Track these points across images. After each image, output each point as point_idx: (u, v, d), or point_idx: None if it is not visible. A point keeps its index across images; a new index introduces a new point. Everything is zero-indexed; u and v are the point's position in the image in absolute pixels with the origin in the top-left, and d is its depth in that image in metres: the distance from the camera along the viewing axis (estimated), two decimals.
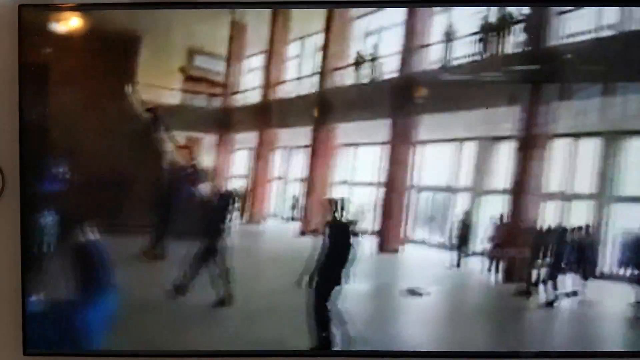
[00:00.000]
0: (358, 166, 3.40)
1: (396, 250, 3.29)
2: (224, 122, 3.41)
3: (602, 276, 3.04)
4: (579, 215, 3.09)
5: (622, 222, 3.03)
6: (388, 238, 3.32)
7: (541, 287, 3.03)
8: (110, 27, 3.00)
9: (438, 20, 3.20)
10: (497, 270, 3.12)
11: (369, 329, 3.05)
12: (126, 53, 3.22)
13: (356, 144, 3.44)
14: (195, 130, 3.40)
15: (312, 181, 3.44)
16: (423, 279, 3.17)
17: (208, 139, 3.41)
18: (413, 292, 3.12)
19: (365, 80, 3.30)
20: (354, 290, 3.10)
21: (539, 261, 3.07)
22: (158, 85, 3.32)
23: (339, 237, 3.15)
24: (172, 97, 3.37)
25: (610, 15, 2.93)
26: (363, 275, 3.17)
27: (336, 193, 3.32)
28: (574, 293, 3.01)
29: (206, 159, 3.37)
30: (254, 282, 3.19)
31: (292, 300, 3.06)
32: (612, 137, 3.10)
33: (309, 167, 3.44)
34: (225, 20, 3.28)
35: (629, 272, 2.96)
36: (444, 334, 3.07)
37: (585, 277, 3.03)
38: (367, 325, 3.06)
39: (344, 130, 3.39)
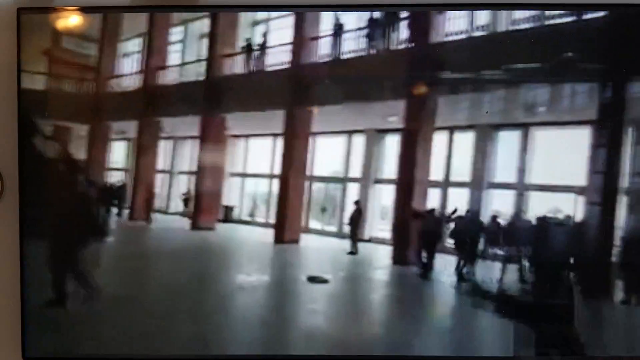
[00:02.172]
0: (251, 158, 2.35)
1: (295, 241, 2.27)
2: (98, 110, 2.21)
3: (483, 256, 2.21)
4: (456, 201, 2.26)
5: (494, 207, 2.24)
6: (285, 229, 2.28)
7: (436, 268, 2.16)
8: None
9: (326, 15, 2.28)
10: (394, 255, 2.21)
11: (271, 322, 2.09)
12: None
13: (248, 135, 2.36)
14: (66, 120, 2.16)
15: (202, 174, 2.31)
16: (323, 266, 2.20)
17: (80, 129, 2.16)
18: (315, 279, 2.16)
19: (256, 70, 2.27)
20: (256, 281, 2.10)
21: (430, 245, 2.22)
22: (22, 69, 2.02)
23: None
24: (37, 82, 2.11)
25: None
26: (263, 266, 2.20)
27: (228, 185, 2.29)
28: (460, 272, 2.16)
29: (79, 151, 2.16)
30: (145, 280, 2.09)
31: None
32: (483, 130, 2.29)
33: (198, 160, 2.31)
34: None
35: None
36: (347, 320, 2.14)
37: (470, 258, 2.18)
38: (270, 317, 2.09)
39: (234, 121, 2.30)
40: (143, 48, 2.16)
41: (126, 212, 2.07)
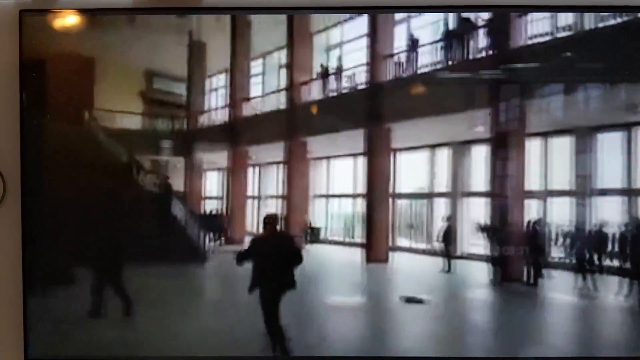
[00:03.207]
0: (334, 179, 1.98)
1: (384, 260, 1.84)
2: (190, 143, 1.93)
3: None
4: (561, 211, 1.72)
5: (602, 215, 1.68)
6: (373, 248, 1.85)
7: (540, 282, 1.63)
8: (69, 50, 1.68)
9: (400, 30, 1.90)
10: (494, 271, 1.70)
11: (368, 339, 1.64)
12: (85, 78, 1.77)
13: (330, 157, 2.01)
14: (161, 154, 1.90)
15: (290, 197, 1.97)
16: (417, 286, 1.75)
17: (175, 162, 1.90)
18: (411, 300, 1.70)
19: (334, 93, 1.91)
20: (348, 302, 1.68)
21: (534, 258, 1.69)
22: (118, 110, 1.85)
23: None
24: (134, 122, 1.90)
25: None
26: (353, 287, 1.77)
27: (314, 207, 1.93)
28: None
29: (176, 182, 1.89)
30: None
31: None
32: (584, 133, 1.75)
33: (284, 183, 1.97)
34: (183, 41, 1.89)
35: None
36: (448, 339, 1.65)
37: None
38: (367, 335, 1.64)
39: (316, 144, 1.94)
40: (227, 83, 1.84)
41: (221, 236, 1.71)
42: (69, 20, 1.60)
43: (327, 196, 1.84)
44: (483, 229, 1.63)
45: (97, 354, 1.55)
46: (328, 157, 1.89)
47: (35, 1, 1.58)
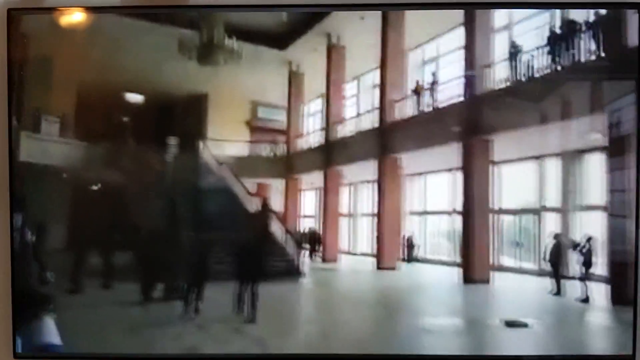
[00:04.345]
0: (430, 195, 1.92)
1: (485, 281, 1.71)
2: (291, 166, 2.05)
3: None
4: None
5: None
6: (474, 267, 1.75)
7: None
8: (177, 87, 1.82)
9: (498, 39, 1.81)
10: (613, 293, 1.47)
11: None
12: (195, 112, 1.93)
13: (426, 172, 1.97)
14: (265, 177, 2.01)
15: (383, 215, 1.94)
16: (523, 309, 1.58)
17: (277, 184, 2.00)
18: (513, 324, 1.54)
19: (428, 109, 1.88)
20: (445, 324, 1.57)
21: None
22: (227, 139, 2.01)
23: None
24: (240, 149, 2.05)
25: None
26: (452, 308, 1.67)
27: (409, 225, 1.88)
28: None
29: (276, 203, 1.98)
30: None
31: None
32: None
33: (378, 201, 1.96)
34: (284, 72, 2.02)
35: None
36: None
37: None
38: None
39: (411, 160, 1.93)
40: (324, 107, 1.93)
41: (318, 254, 1.76)
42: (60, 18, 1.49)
43: (423, 213, 1.78)
44: (575, 245, 1.45)
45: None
46: (424, 173, 1.83)
47: (25, 0, 1.46)
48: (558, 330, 1.45)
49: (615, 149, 1.48)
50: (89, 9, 1.50)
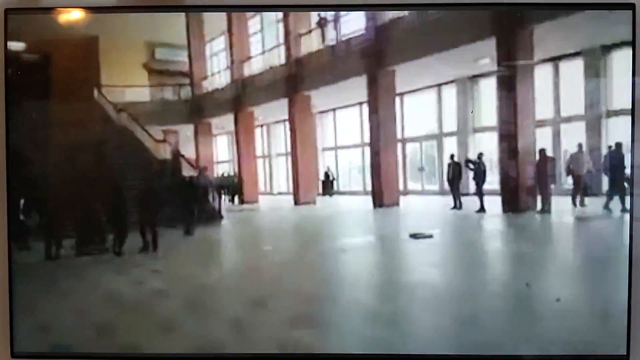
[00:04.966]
0: (341, 130, 1.94)
1: (396, 204, 1.83)
2: (199, 109, 1.95)
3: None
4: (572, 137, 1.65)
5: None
6: (384, 194, 1.85)
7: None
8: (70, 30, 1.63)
9: None
10: (505, 203, 1.67)
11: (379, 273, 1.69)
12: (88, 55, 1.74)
13: (335, 109, 1.96)
14: (171, 123, 1.92)
15: (298, 153, 1.96)
16: (428, 223, 1.73)
17: (185, 130, 1.92)
18: (419, 236, 1.69)
19: (332, 42, 1.84)
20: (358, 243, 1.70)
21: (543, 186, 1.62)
22: (124, 84, 1.86)
23: None
24: (140, 94, 1.90)
25: None
26: (366, 229, 1.79)
27: (324, 160, 1.91)
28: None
29: (187, 149, 1.90)
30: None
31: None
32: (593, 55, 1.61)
33: (292, 140, 1.97)
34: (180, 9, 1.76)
35: None
36: (456, 274, 1.66)
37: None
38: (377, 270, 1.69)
39: (319, 97, 1.90)
40: (227, 45, 1.81)
41: (235, 197, 1.74)
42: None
43: (336, 148, 1.82)
44: (469, 163, 1.60)
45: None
46: (334, 109, 1.85)
47: (21, 0, 1.52)
48: (458, 237, 1.63)
49: (504, 74, 1.59)
50: (86, 9, 1.53)
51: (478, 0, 1.53)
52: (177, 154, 1.77)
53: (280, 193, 1.80)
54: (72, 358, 1.57)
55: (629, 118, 1.44)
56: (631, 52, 1.42)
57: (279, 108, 1.81)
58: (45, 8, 1.56)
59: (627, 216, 1.42)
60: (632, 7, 1.41)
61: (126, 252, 1.63)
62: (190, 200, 1.71)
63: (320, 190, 1.75)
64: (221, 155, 1.84)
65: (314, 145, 1.77)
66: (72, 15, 1.59)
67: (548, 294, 1.41)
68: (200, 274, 1.60)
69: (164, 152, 1.77)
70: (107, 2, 1.56)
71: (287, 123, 1.81)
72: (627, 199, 1.44)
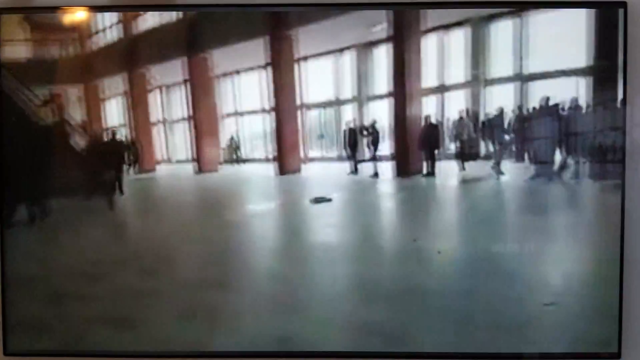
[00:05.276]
0: (243, 94, 1.88)
1: (297, 171, 1.85)
2: (87, 69, 1.81)
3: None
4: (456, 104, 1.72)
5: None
6: (287, 161, 1.87)
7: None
8: None
9: None
10: (395, 167, 1.78)
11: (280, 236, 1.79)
12: None
13: (235, 72, 1.89)
14: (57, 83, 1.78)
15: (198, 118, 1.91)
16: (328, 188, 1.81)
17: (72, 91, 1.78)
18: (320, 200, 1.79)
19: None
20: (261, 210, 1.77)
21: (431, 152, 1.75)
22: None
23: None
24: (20, 51, 1.74)
25: None
26: (268, 196, 1.85)
27: (227, 126, 1.86)
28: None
29: (75, 112, 1.79)
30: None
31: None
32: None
33: (192, 104, 1.90)
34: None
35: None
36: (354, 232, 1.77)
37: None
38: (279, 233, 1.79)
39: (221, 58, 1.84)
40: None
41: (131, 165, 1.67)
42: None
43: (237, 114, 1.80)
44: (364, 130, 1.68)
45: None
46: (235, 72, 1.80)
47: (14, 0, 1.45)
48: (355, 200, 1.76)
49: (397, 40, 1.66)
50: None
51: None
52: (63, 119, 1.65)
53: (179, 161, 1.76)
54: (65, 356, 1.60)
55: (509, 86, 1.58)
56: (622, 50, 1.48)
57: (176, 69, 1.72)
58: (39, 7, 1.59)
59: (504, 177, 1.59)
60: (623, 5, 1.46)
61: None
62: (80, 170, 1.62)
63: (222, 158, 1.73)
64: (113, 120, 1.74)
65: (215, 110, 1.73)
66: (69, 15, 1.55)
67: (431, 247, 1.57)
68: (93, 246, 1.55)
69: (49, 116, 1.64)
70: (100, 2, 1.59)
71: (185, 86, 1.74)
72: (505, 161, 1.60)
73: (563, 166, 1.58)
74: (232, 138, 1.76)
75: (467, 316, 1.52)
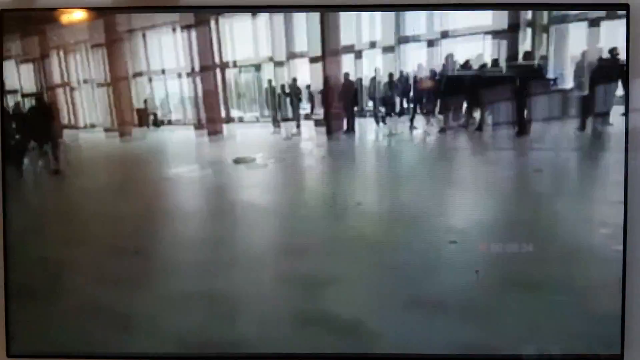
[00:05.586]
0: (161, 55, 1.81)
1: (219, 132, 1.83)
2: None
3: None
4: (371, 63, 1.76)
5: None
6: (208, 122, 1.85)
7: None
8: None
9: None
10: (316, 125, 1.82)
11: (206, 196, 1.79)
12: None
13: (146, 29, 1.80)
14: None
15: (111, 80, 1.82)
16: (251, 148, 1.81)
17: None
18: (242, 160, 1.80)
19: None
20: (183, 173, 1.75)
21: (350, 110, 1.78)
22: None
23: None
24: None
25: None
26: (190, 159, 1.81)
27: (142, 89, 1.80)
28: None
29: None
30: None
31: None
32: None
33: (105, 67, 1.79)
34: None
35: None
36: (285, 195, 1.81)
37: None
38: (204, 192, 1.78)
39: (127, 16, 1.75)
40: None
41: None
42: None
43: (150, 74, 1.72)
44: (284, 88, 1.70)
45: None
46: (146, 29, 1.71)
47: (17, 1, 1.48)
48: (277, 157, 1.78)
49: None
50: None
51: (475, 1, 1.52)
52: None
53: (88, 126, 1.68)
54: (69, 358, 1.59)
55: (421, 44, 1.63)
56: (625, 53, 1.48)
57: (79, 27, 1.61)
58: (42, 9, 1.60)
59: (417, 131, 1.68)
60: (626, 7, 1.42)
61: None
62: None
63: (137, 122, 1.68)
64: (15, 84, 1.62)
65: (126, 70, 1.65)
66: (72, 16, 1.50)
67: (351, 199, 1.65)
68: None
69: None
70: (103, 3, 1.59)
71: (89, 45, 1.64)
72: (417, 117, 1.68)
73: (468, 119, 1.70)
74: (146, 100, 1.70)
75: (388, 260, 1.65)
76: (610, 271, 1.57)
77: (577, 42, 1.63)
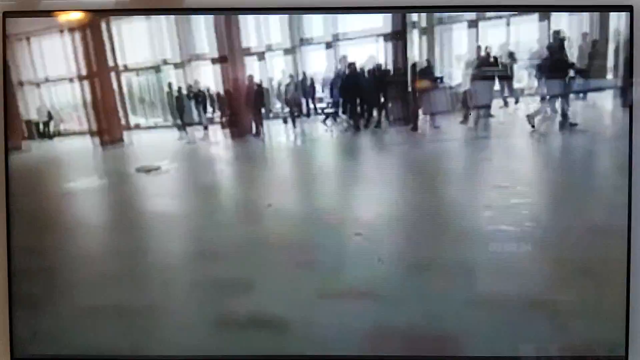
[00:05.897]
0: (44, 61, 1.70)
1: (120, 140, 1.77)
2: None
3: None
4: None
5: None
6: (107, 131, 1.78)
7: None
8: None
9: None
10: (224, 128, 1.79)
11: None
12: None
13: (30, 33, 1.66)
14: None
15: None
16: (156, 156, 1.76)
17: None
18: (145, 169, 1.74)
19: None
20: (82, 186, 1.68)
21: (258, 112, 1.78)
22: None
23: None
24: None
25: None
26: (89, 171, 1.73)
27: (31, 97, 1.71)
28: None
29: None
30: None
31: None
32: None
33: None
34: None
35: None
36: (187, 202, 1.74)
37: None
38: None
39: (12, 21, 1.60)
40: None
41: None
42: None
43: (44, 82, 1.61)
44: (189, 91, 1.67)
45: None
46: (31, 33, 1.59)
47: (19, 3, 1.50)
48: (185, 165, 1.75)
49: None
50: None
51: (481, 2, 1.50)
52: None
53: None
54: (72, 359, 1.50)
55: (319, 45, 1.68)
56: (629, 55, 1.39)
57: None
58: (44, 11, 1.59)
59: (322, 132, 1.73)
60: (629, 8, 1.38)
61: None
62: None
63: (27, 134, 1.56)
64: None
65: (12, 77, 1.52)
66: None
67: (263, 201, 1.67)
68: None
69: None
70: (106, 5, 1.57)
71: None
72: (321, 118, 1.73)
73: (369, 119, 1.80)
74: (39, 109, 1.59)
75: (301, 257, 1.70)
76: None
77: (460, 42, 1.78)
